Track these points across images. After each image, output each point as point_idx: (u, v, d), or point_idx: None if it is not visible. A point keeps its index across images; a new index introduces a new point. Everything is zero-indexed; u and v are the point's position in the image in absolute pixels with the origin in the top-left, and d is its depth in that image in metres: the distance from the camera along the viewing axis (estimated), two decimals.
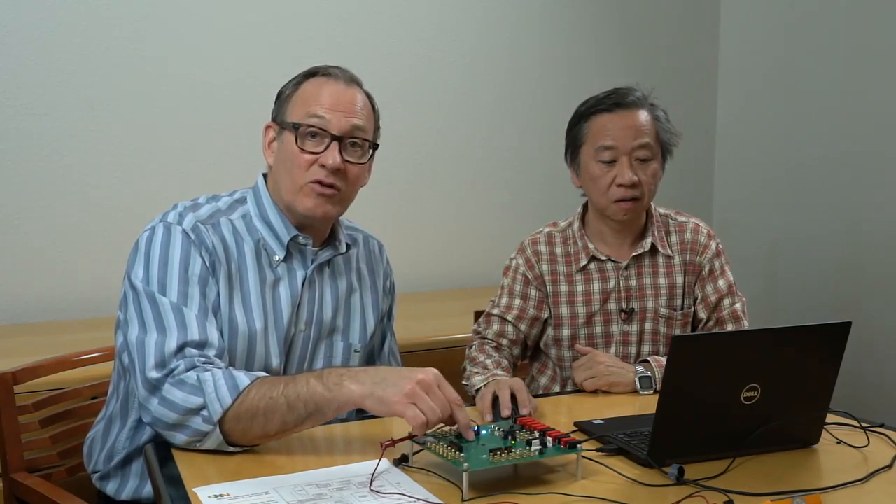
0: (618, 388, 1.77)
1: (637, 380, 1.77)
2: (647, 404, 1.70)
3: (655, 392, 1.75)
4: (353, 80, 1.61)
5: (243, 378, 1.38)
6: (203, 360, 1.41)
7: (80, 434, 1.78)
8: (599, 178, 1.88)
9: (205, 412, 1.35)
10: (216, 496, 1.21)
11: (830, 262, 3.39)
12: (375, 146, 1.62)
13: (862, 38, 3.25)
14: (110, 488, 1.61)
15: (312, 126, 1.54)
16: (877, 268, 3.21)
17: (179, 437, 1.38)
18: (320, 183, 1.54)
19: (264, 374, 1.42)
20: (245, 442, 1.38)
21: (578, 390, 1.81)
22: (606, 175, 1.86)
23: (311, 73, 1.61)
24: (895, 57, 3.13)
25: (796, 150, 3.53)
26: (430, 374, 1.34)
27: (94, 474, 1.65)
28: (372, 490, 1.23)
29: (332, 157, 1.53)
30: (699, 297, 1.95)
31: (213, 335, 1.46)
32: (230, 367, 1.43)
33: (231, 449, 1.37)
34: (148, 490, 1.57)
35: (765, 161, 3.69)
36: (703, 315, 1.95)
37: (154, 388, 1.39)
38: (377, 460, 1.30)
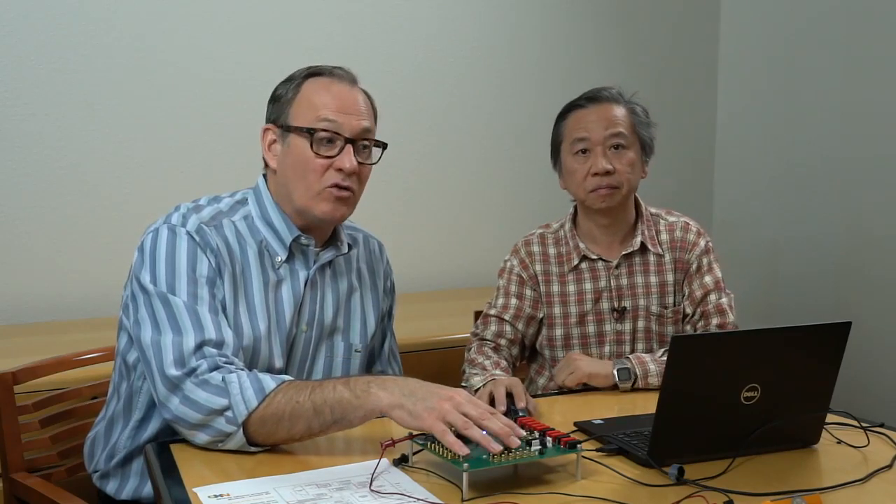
0: (598, 380, 1.79)
1: (615, 371, 1.78)
2: (647, 404, 1.70)
3: (634, 385, 1.78)
4: (354, 80, 1.61)
5: (269, 381, 1.38)
6: (224, 359, 1.41)
7: (80, 434, 1.79)
8: (576, 171, 1.90)
9: (229, 413, 1.36)
10: (216, 496, 1.21)
11: (830, 262, 3.39)
12: (384, 146, 1.62)
13: (862, 37, 3.25)
14: (110, 487, 1.62)
15: (326, 130, 1.54)
16: (877, 268, 3.21)
17: (201, 437, 1.38)
18: (337, 186, 1.54)
19: (289, 377, 1.42)
20: (268, 444, 1.38)
21: (577, 391, 1.81)
22: (582, 167, 1.89)
23: (311, 74, 1.60)
24: (895, 57, 3.13)
25: (796, 150, 3.53)
26: (462, 394, 1.32)
27: (94, 473, 1.65)
28: (372, 490, 1.23)
29: (350, 160, 1.53)
30: (686, 293, 1.96)
31: (228, 334, 1.46)
32: (254, 370, 1.44)
33: (252, 449, 1.38)
34: (148, 489, 1.57)
35: (765, 161, 3.69)
36: (688, 310, 1.95)
37: (174, 386, 1.39)
38: (377, 460, 1.30)
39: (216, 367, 1.40)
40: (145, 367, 1.45)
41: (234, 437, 1.36)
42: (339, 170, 1.54)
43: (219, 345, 1.43)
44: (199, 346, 1.41)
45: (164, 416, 1.43)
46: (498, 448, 1.25)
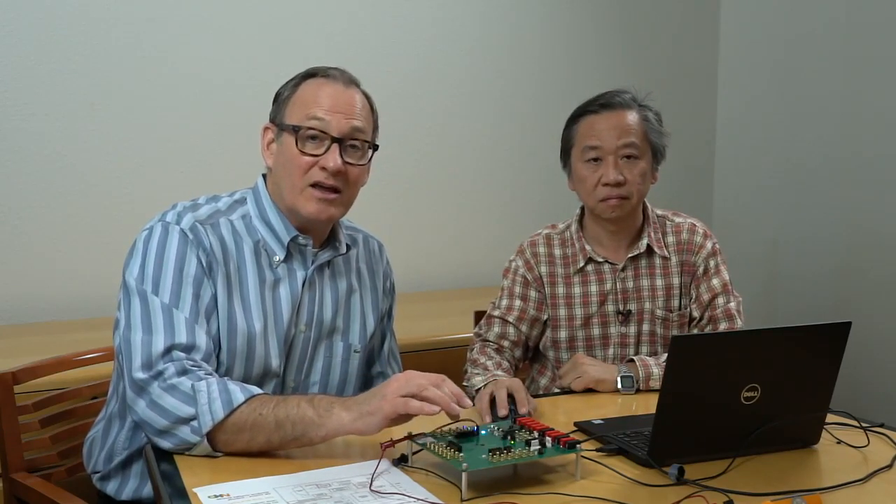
0: (604, 386, 1.79)
1: (619, 378, 1.78)
2: (647, 404, 1.70)
3: (638, 391, 1.78)
4: (351, 81, 1.61)
5: (238, 394, 1.37)
6: (191, 363, 1.41)
7: (80, 434, 1.79)
8: (586, 179, 1.88)
9: (194, 423, 1.36)
10: (216, 496, 1.21)
11: (830, 263, 3.39)
12: (375, 147, 1.62)
13: (862, 38, 3.25)
14: (111, 488, 1.62)
15: (312, 128, 1.54)
16: (877, 268, 3.21)
17: (166, 444, 1.39)
18: (321, 186, 1.54)
19: (259, 390, 1.41)
20: (226, 452, 1.38)
21: (576, 392, 1.82)
22: (593, 175, 1.87)
23: (310, 75, 1.60)
24: (895, 57, 3.13)
25: (796, 150, 3.53)
26: (405, 372, 1.37)
27: (94, 474, 1.65)
28: (372, 490, 1.23)
29: (333, 159, 1.53)
30: (693, 297, 1.95)
31: (202, 339, 1.45)
32: (225, 378, 1.43)
33: (218, 455, 1.38)
34: (148, 490, 1.57)
35: (765, 161, 3.69)
36: (696, 314, 1.94)
37: (141, 389, 1.39)
38: (377, 460, 1.30)
39: (184, 372, 1.40)
40: (119, 366, 1.45)
41: (198, 447, 1.37)
42: (323, 168, 1.53)
43: (188, 349, 1.43)
44: (168, 350, 1.41)
45: (132, 417, 1.44)
46: (457, 410, 1.31)
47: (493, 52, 3.41)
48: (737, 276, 2.01)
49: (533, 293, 1.96)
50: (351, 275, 1.71)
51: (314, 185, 1.54)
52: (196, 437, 1.36)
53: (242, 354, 1.53)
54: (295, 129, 1.54)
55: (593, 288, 1.94)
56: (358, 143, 1.58)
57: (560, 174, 2.00)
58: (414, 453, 1.34)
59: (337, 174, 1.54)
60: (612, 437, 1.45)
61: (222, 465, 1.34)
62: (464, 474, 1.21)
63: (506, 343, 1.96)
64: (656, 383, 1.76)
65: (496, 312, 1.98)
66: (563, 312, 1.95)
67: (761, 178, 3.71)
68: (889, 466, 1.38)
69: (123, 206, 2.80)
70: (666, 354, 1.85)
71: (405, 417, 1.33)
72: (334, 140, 1.54)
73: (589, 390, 1.80)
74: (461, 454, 1.26)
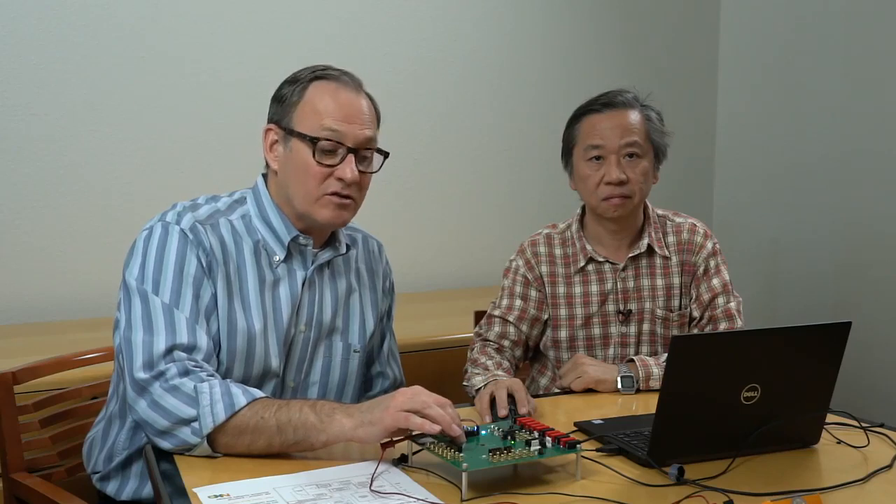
0: (604, 386, 1.79)
1: (619, 378, 1.79)
2: (647, 404, 1.70)
3: (638, 391, 1.78)
4: (360, 86, 1.61)
5: (241, 398, 1.37)
6: (193, 364, 1.41)
7: (80, 434, 1.79)
8: (588, 178, 1.88)
9: (195, 424, 1.36)
10: (216, 496, 1.21)
11: (830, 262, 3.39)
12: (386, 154, 1.62)
13: (862, 37, 3.25)
14: (111, 489, 1.62)
15: (329, 140, 1.53)
16: (877, 268, 3.21)
17: (166, 444, 1.39)
18: (337, 195, 1.54)
19: (261, 393, 1.41)
20: (227, 454, 1.38)
21: (576, 392, 1.81)
22: (595, 174, 1.87)
23: (317, 77, 1.58)
24: (895, 56, 3.13)
25: (796, 150, 3.53)
26: (415, 387, 1.37)
27: (94, 475, 1.65)
28: (372, 490, 1.23)
29: (351, 170, 1.53)
30: (693, 297, 1.95)
31: (203, 339, 1.45)
32: (227, 380, 1.43)
33: (218, 455, 1.38)
34: (148, 490, 1.57)
35: (765, 161, 3.69)
36: (696, 314, 1.94)
37: (142, 389, 1.40)
38: (377, 460, 1.30)
39: (187, 373, 1.40)
40: (119, 366, 1.45)
41: (198, 448, 1.37)
42: (340, 179, 1.53)
43: (189, 349, 1.43)
44: (170, 350, 1.41)
45: (133, 417, 1.44)
46: (458, 431, 1.30)
47: (492, 52, 3.41)
48: (737, 276, 2.01)
49: (533, 293, 1.96)
50: (350, 275, 1.71)
51: (330, 194, 1.54)
52: (196, 438, 1.36)
53: (242, 354, 1.53)
54: (312, 141, 1.53)
55: (594, 287, 1.94)
56: (370, 151, 1.58)
57: (560, 174, 2.00)
58: (414, 453, 1.34)
59: (352, 184, 1.54)
60: (612, 437, 1.45)
61: (222, 465, 1.34)
62: (464, 474, 1.22)
63: (506, 343, 1.96)
64: (656, 383, 1.76)
65: (496, 312, 1.98)
66: (563, 312, 1.95)
67: (761, 178, 3.71)
68: (889, 466, 1.38)
69: (123, 206, 2.80)
70: (666, 354, 1.85)
71: (405, 431, 1.32)
72: (349, 150, 1.54)
73: (589, 390, 1.80)
74: (461, 454, 1.26)
